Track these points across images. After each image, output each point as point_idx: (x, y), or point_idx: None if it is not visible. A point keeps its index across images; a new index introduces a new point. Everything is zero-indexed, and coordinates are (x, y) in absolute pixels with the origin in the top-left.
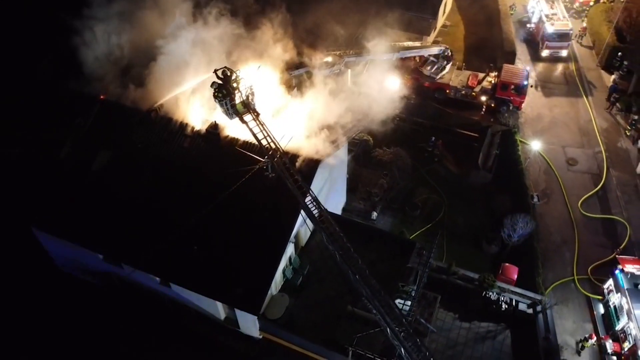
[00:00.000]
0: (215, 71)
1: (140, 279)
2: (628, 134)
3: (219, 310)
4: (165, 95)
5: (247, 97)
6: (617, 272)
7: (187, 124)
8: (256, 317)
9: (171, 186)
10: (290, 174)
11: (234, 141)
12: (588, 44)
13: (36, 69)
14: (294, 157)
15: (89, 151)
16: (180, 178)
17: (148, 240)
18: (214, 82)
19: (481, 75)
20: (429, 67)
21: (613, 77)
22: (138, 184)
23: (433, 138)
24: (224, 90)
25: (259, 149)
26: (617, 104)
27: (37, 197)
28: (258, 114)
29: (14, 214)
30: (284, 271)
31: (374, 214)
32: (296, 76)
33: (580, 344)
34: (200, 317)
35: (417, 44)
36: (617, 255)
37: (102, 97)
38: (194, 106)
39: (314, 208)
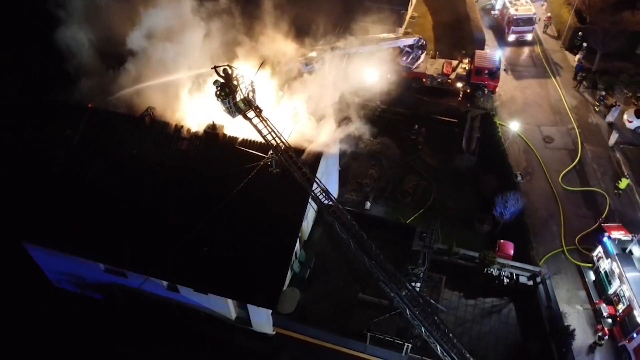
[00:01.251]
0: (216, 68)
1: (145, 287)
2: (597, 109)
3: (230, 310)
4: (157, 96)
5: (248, 94)
6: (604, 239)
7: (182, 126)
8: (270, 313)
9: (173, 190)
10: (298, 167)
11: (233, 140)
12: (553, 33)
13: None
14: (297, 150)
15: (82, 161)
16: (181, 181)
17: (156, 246)
18: (216, 81)
19: (455, 62)
20: (404, 58)
21: (578, 56)
22: (138, 190)
23: (416, 126)
24: (226, 89)
25: (258, 146)
26: (584, 82)
27: (28, 212)
28: (261, 110)
29: (4, 232)
30: (291, 266)
31: (368, 204)
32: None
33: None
34: (210, 320)
35: (392, 35)
36: (602, 224)
37: (90, 105)
38: (188, 108)
39: (324, 199)
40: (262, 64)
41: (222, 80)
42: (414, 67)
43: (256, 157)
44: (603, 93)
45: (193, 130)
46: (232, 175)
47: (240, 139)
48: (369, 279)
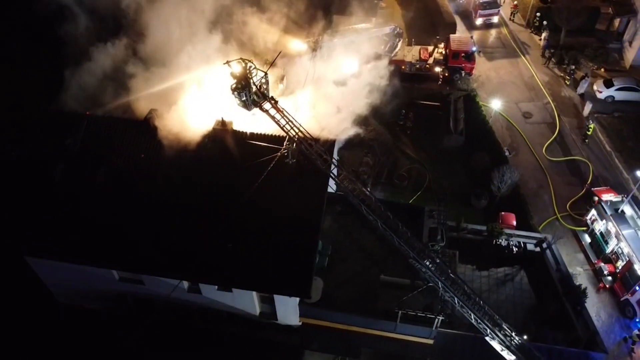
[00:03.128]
0: (229, 63)
1: (163, 292)
2: (568, 83)
3: (255, 305)
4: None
5: (261, 86)
6: (597, 202)
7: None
8: (297, 304)
9: (187, 190)
10: (319, 154)
11: (243, 135)
12: (520, 21)
13: None
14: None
15: (86, 169)
16: (194, 180)
17: (177, 248)
18: (232, 73)
19: (430, 48)
20: (382, 47)
21: (544, 35)
22: (150, 193)
23: (403, 111)
24: (242, 82)
25: (269, 138)
26: (552, 59)
27: (32, 225)
28: (276, 101)
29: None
30: None
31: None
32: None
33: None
34: (233, 318)
35: (370, 25)
36: (592, 189)
37: (87, 113)
38: (192, 107)
39: (348, 184)
40: (278, 55)
41: (237, 74)
42: (392, 55)
43: (269, 150)
44: (573, 67)
45: (200, 128)
46: (247, 170)
47: (249, 134)
48: (386, 262)
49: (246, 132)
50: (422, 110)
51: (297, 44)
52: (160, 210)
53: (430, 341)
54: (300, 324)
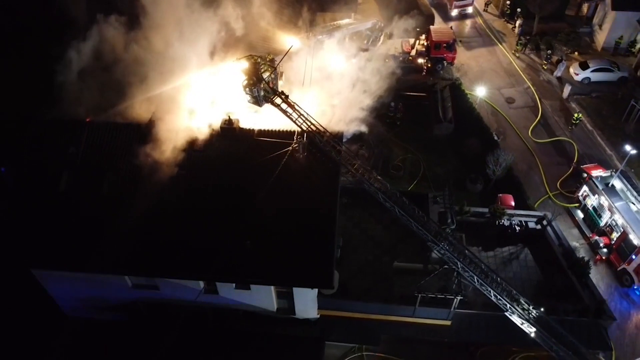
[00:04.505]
0: (239, 59)
1: (178, 295)
2: (545, 67)
3: (273, 301)
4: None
5: (269, 82)
6: (588, 178)
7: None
8: (315, 296)
9: (198, 190)
10: (332, 146)
11: (250, 132)
12: (494, 11)
13: None
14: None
15: (90, 177)
16: (205, 180)
17: (195, 249)
18: (244, 69)
19: (412, 40)
20: (365, 41)
21: (518, 22)
22: (162, 196)
23: (392, 103)
24: (254, 77)
25: (277, 134)
26: (528, 45)
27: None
28: (287, 96)
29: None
30: None
31: None
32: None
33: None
34: (250, 316)
35: (352, 20)
36: (581, 166)
37: (87, 119)
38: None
39: (364, 172)
40: (288, 50)
41: (248, 70)
42: (375, 49)
43: (278, 146)
44: (549, 52)
45: (206, 128)
46: (258, 166)
47: (257, 131)
48: (396, 249)
49: (253, 129)
50: (409, 101)
51: (291, 41)
52: (173, 212)
53: (448, 322)
54: (318, 316)
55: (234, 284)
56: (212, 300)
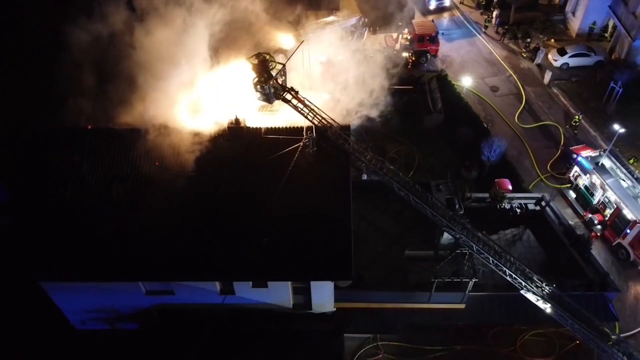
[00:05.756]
0: (249, 58)
1: (194, 299)
2: (524, 55)
3: (289, 297)
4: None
5: (277, 78)
6: (578, 159)
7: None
8: (332, 290)
9: (210, 192)
10: (344, 139)
11: (258, 131)
12: (469, 3)
13: None
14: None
15: (96, 184)
16: (216, 182)
17: (212, 250)
18: (254, 67)
19: (395, 34)
20: (350, 37)
21: (495, 13)
22: (173, 199)
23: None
24: (264, 75)
25: (284, 131)
26: (507, 35)
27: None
28: (297, 92)
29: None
30: None
31: (364, 176)
32: None
33: None
34: (266, 314)
35: (338, 18)
36: (570, 148)
37: (89, 127)
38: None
39: (377, 163)
40: (300, 44)
41: (258, 67)
42: (360, 44)
43: (287, 142)
44: (528, 40)
45: (212, 128)
46: (269, 163)
47: (265, 129)
48: (404, 238)
49: (261, 128)
50: (398, 94)
51: (287, 39)
52: (186, 214)
53: (462, 306)
54: (334, 309)
55: (250, 283)
56: (229, 301)
